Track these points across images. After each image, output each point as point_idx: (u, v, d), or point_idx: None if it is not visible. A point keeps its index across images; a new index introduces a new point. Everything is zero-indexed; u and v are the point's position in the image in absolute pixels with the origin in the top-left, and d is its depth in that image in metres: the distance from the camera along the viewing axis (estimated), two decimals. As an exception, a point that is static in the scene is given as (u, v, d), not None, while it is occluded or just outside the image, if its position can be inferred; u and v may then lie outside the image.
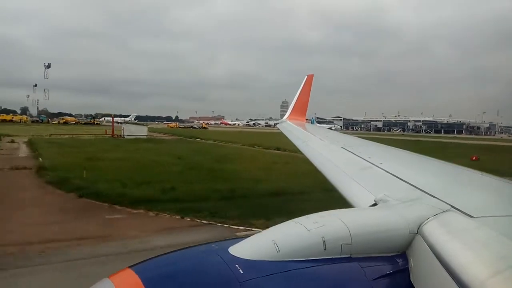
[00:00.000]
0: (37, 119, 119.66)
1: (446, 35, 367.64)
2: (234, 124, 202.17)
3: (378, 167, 4.09)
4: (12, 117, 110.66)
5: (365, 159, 4.59)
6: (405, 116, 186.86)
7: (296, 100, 12.94)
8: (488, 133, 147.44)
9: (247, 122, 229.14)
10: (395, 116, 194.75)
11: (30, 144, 40.78)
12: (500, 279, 1.61)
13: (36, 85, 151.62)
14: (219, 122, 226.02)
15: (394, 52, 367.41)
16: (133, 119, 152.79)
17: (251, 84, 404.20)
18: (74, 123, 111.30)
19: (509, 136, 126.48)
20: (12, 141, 43.26)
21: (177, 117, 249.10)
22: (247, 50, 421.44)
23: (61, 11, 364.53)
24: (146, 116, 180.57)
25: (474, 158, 34.94)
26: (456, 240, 2.00)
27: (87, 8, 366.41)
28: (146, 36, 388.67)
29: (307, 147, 6.94)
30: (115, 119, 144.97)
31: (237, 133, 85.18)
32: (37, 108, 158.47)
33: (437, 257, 1.93)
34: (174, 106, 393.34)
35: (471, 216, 2.23)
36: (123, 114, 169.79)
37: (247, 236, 2.15)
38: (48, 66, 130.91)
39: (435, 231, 2.11)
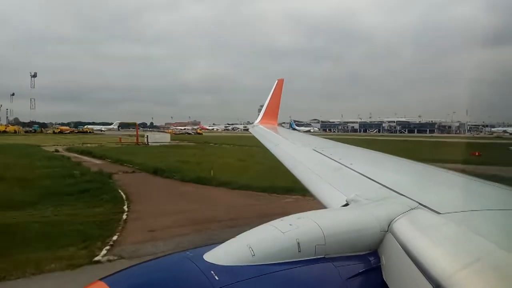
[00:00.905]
0: (30, 129, 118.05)
1: (412, 38, 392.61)
2: (213, 129, 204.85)
3: (349, 167, 4.21)
4: (6, 128, 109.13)
5: (336, 161, 4.72)
6: (379, 117, 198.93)
7: (267, 104, 13.16)
8: (458, 131, 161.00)
9: (225, 126, 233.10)
10: (369, 118, 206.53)
11: (88, 152, 43.00)
12: (467, 272, 1.69)
13: (13, 94, 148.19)
14: (196, 127, 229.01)
15: (364, 55, 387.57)
16: (116, 127, 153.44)
17: (225, 88, 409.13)
18: (69, 132, 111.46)
19: (479, 134, 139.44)
20: (69, 150, 45.69)
21: (151, 123, 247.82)
22: (221, 55, 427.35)
23: (29, 17, 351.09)
24: (121, 122, 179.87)
25: (477, 153, 37.91)
26: (425, 236, 2.09)
27: (56, 13, 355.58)
28: (118, 41, 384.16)
29: (279, 150, 7.06)
30: (99, 127, 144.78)
31: (236, 137, 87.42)
32: (7, 117, 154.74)
33: (407, 254, 2.00)
34: (148, 111, 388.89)
35: (438, 213, 2.33)
36: (104, 121, 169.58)
37: (222, 242, 2.17)
38: (34, 75, 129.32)
39: (404, 229, 2.20)
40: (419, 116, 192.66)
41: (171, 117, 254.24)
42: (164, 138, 66.00)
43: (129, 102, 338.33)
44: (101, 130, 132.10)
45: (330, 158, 4.94)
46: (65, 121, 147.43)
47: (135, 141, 64.45)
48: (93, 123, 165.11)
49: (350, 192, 3.05)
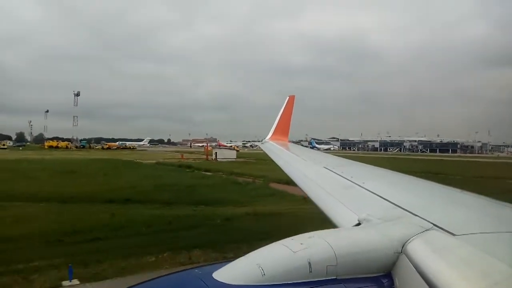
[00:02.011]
0: (79, 145, 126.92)
1: (424, 57, 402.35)
2: (231, 146, 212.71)
3: (361, 186, 4.21)
4: (57, 144, 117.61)
5: (347, 179, 4.73)
6: (399, 136, 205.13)
7: (278, 121, 13.27)
8: (481, 151, 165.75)
9: (242, 143, 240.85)
10: (389, 136, 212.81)
11: (187, 166, 49.27)
12: None
13: (47, 111, 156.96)
14: (213, 144, 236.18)
15: (375, 74, 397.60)
16: (147, 143, 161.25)
17: (237, 105, 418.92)
18: (116, 148, 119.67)
19: (507, 154, 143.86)
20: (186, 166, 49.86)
21: (169, 139, 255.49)
22: (233, 73, 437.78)
23: (49, 36, 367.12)
24: (138, 138, 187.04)
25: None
26: (440, 258, 2.07)
27: (75, 32, 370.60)
28: (133, 59, 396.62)
29: (290, 167, 7.10)
30: (131, 143, 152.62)
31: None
32: (31, 133, 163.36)
33: (421, 276, 1.99)
34: (162, 128, 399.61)
35: (453, 234, 2.32)
36: (128, 138, 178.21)
37: (231, 260, 2.19)
38: (77, 94, 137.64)
39: (419, 250, 2.18)
40: (438, 136, 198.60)
41: (189, 134, 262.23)
42: (231, 154, 71.42)
43: (143, 118, 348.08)
44: (144, 146, 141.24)
45: (342, 176, 4.96)
46: (86, 137, 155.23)
47: (205, 157, 69.13)
48: (112, 139, 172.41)
49: (362, 211, 3.03)
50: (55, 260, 11.86)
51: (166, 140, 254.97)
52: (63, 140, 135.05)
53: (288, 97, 13.82)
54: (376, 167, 6.11)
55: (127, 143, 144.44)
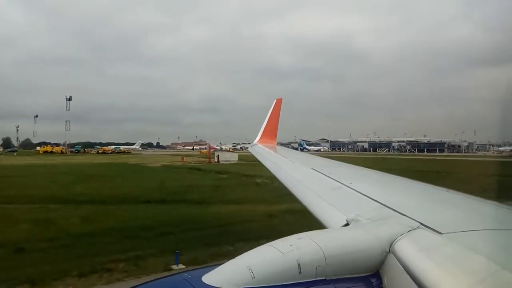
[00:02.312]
0: (73, 149, 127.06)
1: (410, 58, 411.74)
2: (221, 148, 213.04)
3: (348, 187, 4.27)
4: (52, 148, 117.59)
5: (335, 180, 4.79)
6: (387, 137, 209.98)
7: (266, 124, 13.43)
8: (467, 151, 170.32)
9: (233, 146, 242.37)
10: (378, 137, 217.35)
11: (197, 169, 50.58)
12: None
13: (37, 116, 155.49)
14: (204, 147, 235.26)
15: (362, 75, 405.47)
16: (138, 147, 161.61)
17: (225, 107, 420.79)
18: (111, 153, 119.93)
19: (493, 153, 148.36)
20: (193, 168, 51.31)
21: (158, 143, 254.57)
22: (221, 75, 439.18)
23: (34, 40, 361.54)
24: (126, 142, 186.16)
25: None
26: (427, 257, 2.11)
27: (61, 35, 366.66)
28: (121, 62, 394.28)
29: (279, 169, 7.18)
30: (122, 147, 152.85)
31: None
32: (17, 138, 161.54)
33: (409, 275, 2.03)
34: (149, 131, 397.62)
35: (440, 233, 2.36)
36: (116, 142, 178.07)
37: (220, 263, 2.20)
38: (69, 99, 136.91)
39: (406, 249, 2.22)
40: (424, 136, 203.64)
41: (178, 137, 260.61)
42: (232, 157, 73.47)
43: (131, 121, 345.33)
44: (136, 150, 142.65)
45: (330, 177, 5.01)
46: (73, 141, 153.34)
47: (208, 160, 70.93)
48: (100, 143, 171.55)
49: (350, 212, 3.07)
50: (148, 250, 13.26)
51: (155, 144, 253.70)
52: (51, 144, 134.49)
53: (275, 100, 14.06)
54: (363, 168, 6.22)
55: (121, 147, 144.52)
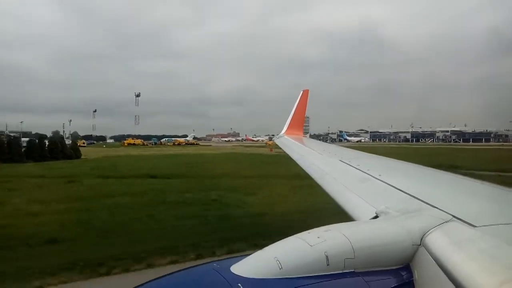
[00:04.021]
0: (150, 142, 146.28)
1: (441, 46, 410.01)
2: (258, 139, 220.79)
3: (377, 179, 4.30)
4: (134, 141, 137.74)
5: (363, 171, 4.83)
6: (430, 127, 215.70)
7: (293, 115, 13.60)
8: None
9: (269, 137, 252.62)
10: (420, 128, 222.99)
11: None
12: None
13: (95, 111, 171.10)
14: (240, 138, 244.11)
15: (391, 64, 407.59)
16: (191, 138, 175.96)
17: (251, 100, 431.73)
18: (184, 144, 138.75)
19: None
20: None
21: (194, 136, 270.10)
22: (247, 67, 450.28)
23: (65, 36, 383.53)
24: (163, 135, 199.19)
25: None
26: (460, 250, 2.11)
27: (91, 31, 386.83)
28: (148, 57, 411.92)
29: (306, 161, 7.27)
30: (183, 139, 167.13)
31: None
32: (63, 131, 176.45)
33: (441, 269, 2.05)
34: (178, 124, 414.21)
35: (473, 226, 2.36)
36: (178, 134, 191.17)
37: (248, 254, 2.27)
38: (138, 95, 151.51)
39: (438, 242, 2.24)
40: (465, 125, 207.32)
41: (213, 129, 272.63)
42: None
43: (159, 114, 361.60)
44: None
45: (358, 169, 5.05)
46: (104, 134, 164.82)
47: (269, 150, 77.32)
48: (139, 136, 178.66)
49: (379, 204, 3.10)
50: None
51: (188, 136, 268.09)
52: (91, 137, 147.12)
53: (302, 91, 14.06)
54: (392, 159, 6.18)
55: (178, 139, 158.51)
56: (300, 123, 13.90)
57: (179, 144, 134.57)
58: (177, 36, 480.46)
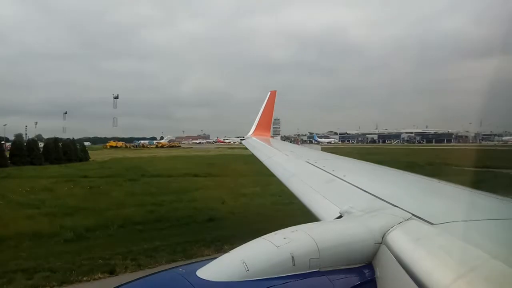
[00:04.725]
0: (133, 144, 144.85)
1: (404, 51, 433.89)
2: (229, 142, 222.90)
3: (342, 179, 4.43)
4: (116, 144, 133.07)
5: (329, 172, 4.96)
6: (396, 129, 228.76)
7: (260, 116, 13.76)
8: (474, 141, 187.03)
9: (240, 139, 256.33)
10: (386, 129, 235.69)
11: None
12: (462, 283, 1.81)
13: (66, 113, 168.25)
14: (211, 140, 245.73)
15: (357, 68, 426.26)
16: (167, 141, 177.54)
17: (219, 101, 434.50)
18: (167, 146, 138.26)
19: (497, 142, 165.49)
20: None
21: (161, 137, 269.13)
22: (215, 68, 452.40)
23: (26, 34, 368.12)
24: (130, 137, 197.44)
25: None
26: (419, 247, 2.22)
27: (54, 30, 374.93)
28: (114, 56, 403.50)
29: (273, 162, 7.42)
30: (155, 141, 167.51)
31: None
32: (25, 134, 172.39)
33: (401, 265, 2.13)
34: (146, 125, 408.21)
35: (432, 223, 2.49)
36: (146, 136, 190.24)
37: (215, 257, 2.30)
38: (116, 97, 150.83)
39: (398, 240, 2.33)
40: (426, 127, 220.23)
41: (183, 131, 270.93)
42: (317, 147, 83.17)
43: (124, 116, 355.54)
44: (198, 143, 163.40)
45: (323, 170, 5.18)
46: (75, 136, 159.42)
47: None
48: (105, 138, 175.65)
49: (343, 204, 3.19)
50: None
51: (158, 138, 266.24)
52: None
53: (269, 92, 14.26)
54: (356, 160, 6.41)
55: (164, 141, 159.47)
56: (268, 124, 14.12)
57: (162, 147, 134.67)
58: (145, 35, 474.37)
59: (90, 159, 61.01)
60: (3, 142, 63.81)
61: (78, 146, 63.85)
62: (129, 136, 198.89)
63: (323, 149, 13.19)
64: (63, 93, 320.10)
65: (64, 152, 56.24)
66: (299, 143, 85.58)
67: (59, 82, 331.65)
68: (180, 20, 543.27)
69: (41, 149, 55.09)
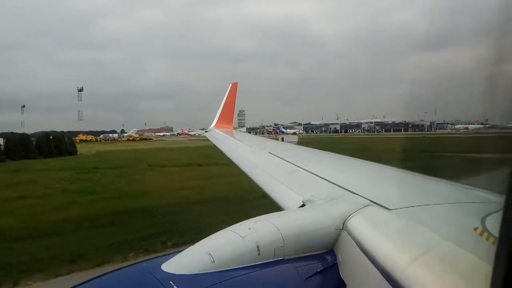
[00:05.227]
0: (103, 137, 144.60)
1: (359, 42, 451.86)
2: (195, 134, 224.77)
3: (304, 169, 4.59)
4: (86, 137, 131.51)
5: (291, 163, 5.11)
6: (356, 119, 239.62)
7: (222, 109, 13.84)
8: (431, 129, 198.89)
9: (205, 131, 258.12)
10: (346, 119, 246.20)
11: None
12: (418, 264, 1.91)
13: (24, 106, 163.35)
14: (175, 133, 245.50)
15: (316, 58, 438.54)
16: (134, 134, 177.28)
17: (180, 93, 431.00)
18: (139, 140, 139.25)
19: (451, 130, 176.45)
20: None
21: (122, 130, 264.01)
22: (175, 59, 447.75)
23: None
24: (89, 131, 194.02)
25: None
26: (377, 232, 2.34)
27: (3, 18, 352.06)
28: (69, 46, 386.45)
29: (236, 154, 7.49)
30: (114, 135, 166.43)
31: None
32: None
33: (361, 250, 2.23)
34: (105, 118, 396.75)
35: (388, 209, 2.63)
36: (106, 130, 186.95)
37: (179, 251, 2.31)
38: (81, 90, 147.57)
39: (357, 226, 2.45)
40: (384, 117, 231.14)
41: (145, 124, 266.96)
42: (294, 139, 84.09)
43: (81, 108, 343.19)
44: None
45: (286, 161, 5.33)
46: (32, 131, 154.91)
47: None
48: (61, 132, 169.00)
49: (306, 193, 3.28)
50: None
51: (119, 131, 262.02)
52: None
53: (230, 84, 14.35)
54: (317, 150, 6.74)
55: (113, 135, 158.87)
56: (230, 117, 14.14)
57: (133, 140, 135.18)
58: (103, 24, 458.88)
59: (78, 153, 62.51)
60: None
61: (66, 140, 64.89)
62: (89, 130, 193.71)
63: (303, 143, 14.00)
64: (14, 85, 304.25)
65: (55, 145, 57.58)
66: (277, 137, 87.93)
67: (10, 74, 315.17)
68: (138, 9, 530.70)
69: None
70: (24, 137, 56.30)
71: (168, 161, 43.44)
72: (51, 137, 60.84)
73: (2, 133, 69.15)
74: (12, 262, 11.48)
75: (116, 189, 24.73)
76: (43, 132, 72.49)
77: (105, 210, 18.26)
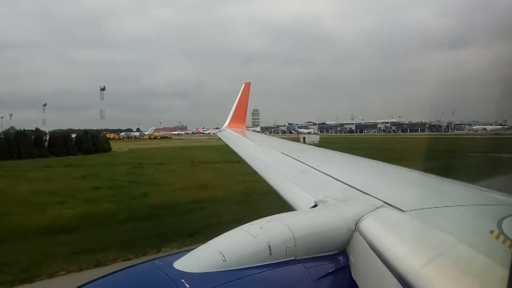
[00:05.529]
0: (125, 136, 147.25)
1: (372, 41, 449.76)
2: (209, 133, 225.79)
3: (316, 169, 4.59)
4: (109, 135, 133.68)
5: (303, 163, 5.13)
6: (372, 119, 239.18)
7: (235, 108, 13.97)
8: (448, 130, 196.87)
9: (219, 130, 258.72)
10: (362, 120, 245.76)
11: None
12: (432, 267, 1.89)
13: (45, 105, 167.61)
14: (190, 132, 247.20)
15: (330, 57, 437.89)
16: (152, 132, 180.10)
17: (194, 92, 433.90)
18: (160, 138, 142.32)
19: (469, 131, 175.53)
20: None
21: (138, 128, 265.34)
22: (189, 59, 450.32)
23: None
24: (105, 129, 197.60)
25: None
26: (390, 234, 2.32)
27: (21, 18, 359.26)
28: (85, 45, 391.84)
29: (248, 154, 7.55)
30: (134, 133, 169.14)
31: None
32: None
33: (374, 251, 2.21)
34: (120, 117, 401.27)
35: (402, 210, 2.61)
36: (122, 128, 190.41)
37: (192, 249, 2.33)
38: (103, 89, 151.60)
39: (370, 227, 2.43)
40: (399, 117, 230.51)
41: (160, 123, 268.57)
42: (315, 138, 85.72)
43: (96, 107, 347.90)
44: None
45: (298, 161, 5.37)
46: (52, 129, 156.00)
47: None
48: (70, 130, 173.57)
49: (318, 194, 3.29)
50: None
51: (135, 130, 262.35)
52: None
53: (244, 84, 14.45)
54: (330, 151, 6.78)
55: (156, 133, 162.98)
56: (243, 116, 14.22)
57: (155, 138, 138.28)
58: (117, 24, 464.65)
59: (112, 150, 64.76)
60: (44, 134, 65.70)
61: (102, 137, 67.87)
62: (104, 128, 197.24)
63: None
64: (32, 83, 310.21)
65: (92, 143, 60.62)
66: (299, 137, 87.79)
67: (24, 72, 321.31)
68: (152, 8, 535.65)
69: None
70: (66, 134, 59.37)
71: (205, 158, 44.78)
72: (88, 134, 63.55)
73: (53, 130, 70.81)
74: (145, 236, 13.92)
75: (178, 182, 26.33)
76: (61, 130, 74.58)
77: (183, 199, 19.96)
